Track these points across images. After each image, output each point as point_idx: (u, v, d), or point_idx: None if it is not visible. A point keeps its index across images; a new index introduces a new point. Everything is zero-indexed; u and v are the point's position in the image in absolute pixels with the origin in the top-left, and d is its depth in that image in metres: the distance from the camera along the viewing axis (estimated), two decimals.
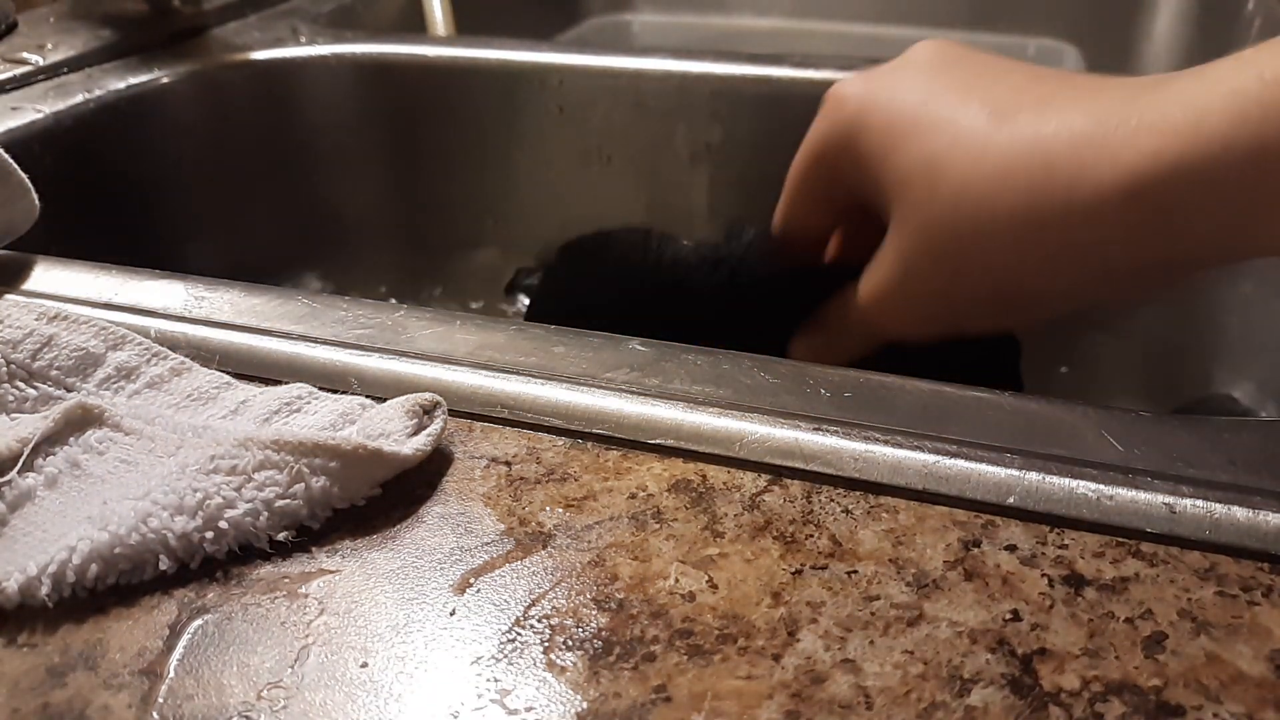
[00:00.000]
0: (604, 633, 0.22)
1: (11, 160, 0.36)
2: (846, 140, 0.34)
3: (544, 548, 0.24)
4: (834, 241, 0.40)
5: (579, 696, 0.21)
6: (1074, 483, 0.25)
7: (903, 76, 0.34)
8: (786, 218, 0.39)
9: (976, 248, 0.31)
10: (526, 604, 0.23)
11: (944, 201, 0.31)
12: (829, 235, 0.39)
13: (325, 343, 0.31)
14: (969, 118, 0.31)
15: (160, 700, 0.21)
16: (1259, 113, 0.26)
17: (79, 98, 0.51)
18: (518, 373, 0.29)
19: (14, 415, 0.28)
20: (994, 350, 0.38)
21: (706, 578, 0.23)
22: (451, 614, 0.23)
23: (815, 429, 0.27)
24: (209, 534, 0.24)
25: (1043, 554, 0.24)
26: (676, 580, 0.23)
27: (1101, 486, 0.25)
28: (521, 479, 0.26)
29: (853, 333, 0.36)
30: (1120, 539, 0.24)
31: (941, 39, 0.35)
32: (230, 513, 0.24)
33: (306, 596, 0.23)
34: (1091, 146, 0.29)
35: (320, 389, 0.29)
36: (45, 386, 0.29)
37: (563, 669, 0.21)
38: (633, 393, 0.28)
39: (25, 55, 0.54)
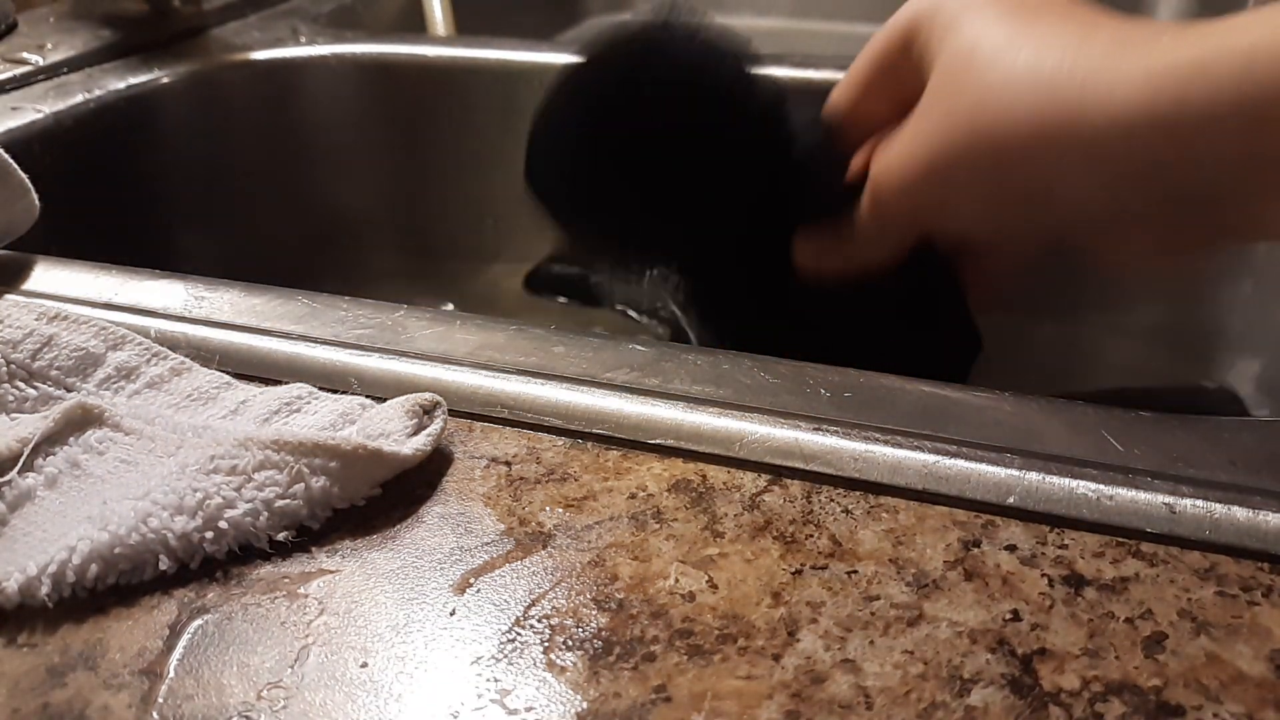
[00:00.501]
0: (604, 633, 0.22)
1: (11, 160, 0.36)
2: (916, 24, 0.35)
3: (544, 548, 0.24)
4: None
5: (579, 696, 0.21)
6: (1074, 483, 0.25)
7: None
8: (845, 99, 0.38)
9: (996, 151, 0.31)
10: (526, 604, 0.23)
11: (969, 99, 0.31)
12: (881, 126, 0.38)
13: (325, 343, 0.31)
14: (1024, 56, 0.31)
15: (160, 700, 0.21)
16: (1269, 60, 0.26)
17: (79, 98, 0.51)
18: (518, 373, 0.29)
19: (14, 415, 0.28)
20: (952, 344, 0.38)
21: (706, 578, 0.23)
22: (451, 614, 0.23)
23: (815, 429, 0.27)
24: (209, 534, 0.24)
25: (1043, 554, 0.24)
26: (676, 580, 0.23)
27: (1101, 486, 0.25)
28: (521, 479, 0.26)
29: (862, 229, 0.36)
30: (1120, 539, 0.24)
31: None
32: (230, 513, 0.24)
33: (306, 596, 0.23)
34: (1108, 66, 0.29)
35: (320, 389, 0.29)
36: (45, 386, 0.29)
37: (563, 669, 0.21)
38: (633, 393, 0.28)
39: (25, 55, 0.54)
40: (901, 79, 0.36)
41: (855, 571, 0.23)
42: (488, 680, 0.21)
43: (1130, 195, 0.30)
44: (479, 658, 0.22)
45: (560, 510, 0.25)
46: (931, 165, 0.33)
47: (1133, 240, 0.33)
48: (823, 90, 0.36)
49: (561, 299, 0.55)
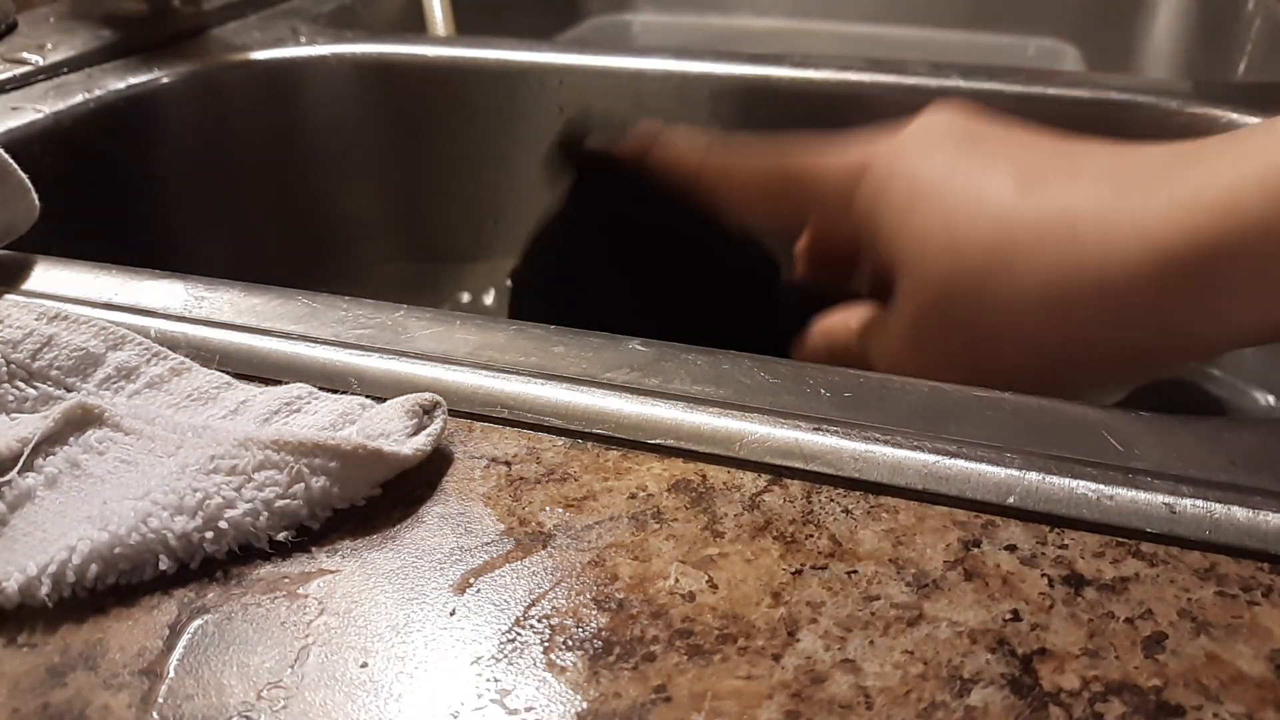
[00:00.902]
0: (604, 633, 0.22)
1: (11, 160, 0.36)
2: (865, 211, 0.33)
3: (544, 548, 0.24)
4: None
5: (579, 696, 0.21)
6: (1074, 483, 0.25)
7: (925, 144, 0.33)
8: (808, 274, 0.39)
9: (1000, 315, 0.30)
10: (526, 604, 0.23)
11: (969, 267, 0.30)
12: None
13: (325, 343, 0.31)
14: (995, 184, 0.30)
15: (160, 700, 0.21)
16: None
17: (79, 98, 0.51)
18: (518, 373, 0.29)
19: (14, 415, 0.28)
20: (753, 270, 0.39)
21: (706, 578, 0.23)
22: (451, 614, 0.23)
23: (815, 429, 0.27)
24: (209, 534, 0.24)
25: (1043, 554, 0.24)
26: (676, 580, 0.23)
27: (1101, 486, 0.25)
28: (521, 479, 0.26)
29: (855, 360, 0.36)
30: (1120, 539, 0.24)
31: (958, 105, 0.34)
32: (230, 513, 0.24)
33: (306, 596, 0.23)
34: (1122, 222, 0.28)
35: (320, 389, 0.29)
36: (45, 386, 0.29)
37: (563, 669, 0.21)
38: (633, 393, 0.28)
39: (25, 55, 0.54)
40: (846, 251, 0.37)
41: (855, 571, 0.23)
42: (488, 680, 0.21)
43: (1150, 337, 0.29)
44: (479, 658, 0.22)
45: (560, 510, 0.25)
46: (927, 340, 0.32)
47: (1151, 370, 0.32)
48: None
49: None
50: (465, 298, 0.62)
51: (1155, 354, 0.30)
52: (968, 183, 0.31)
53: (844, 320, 0.36)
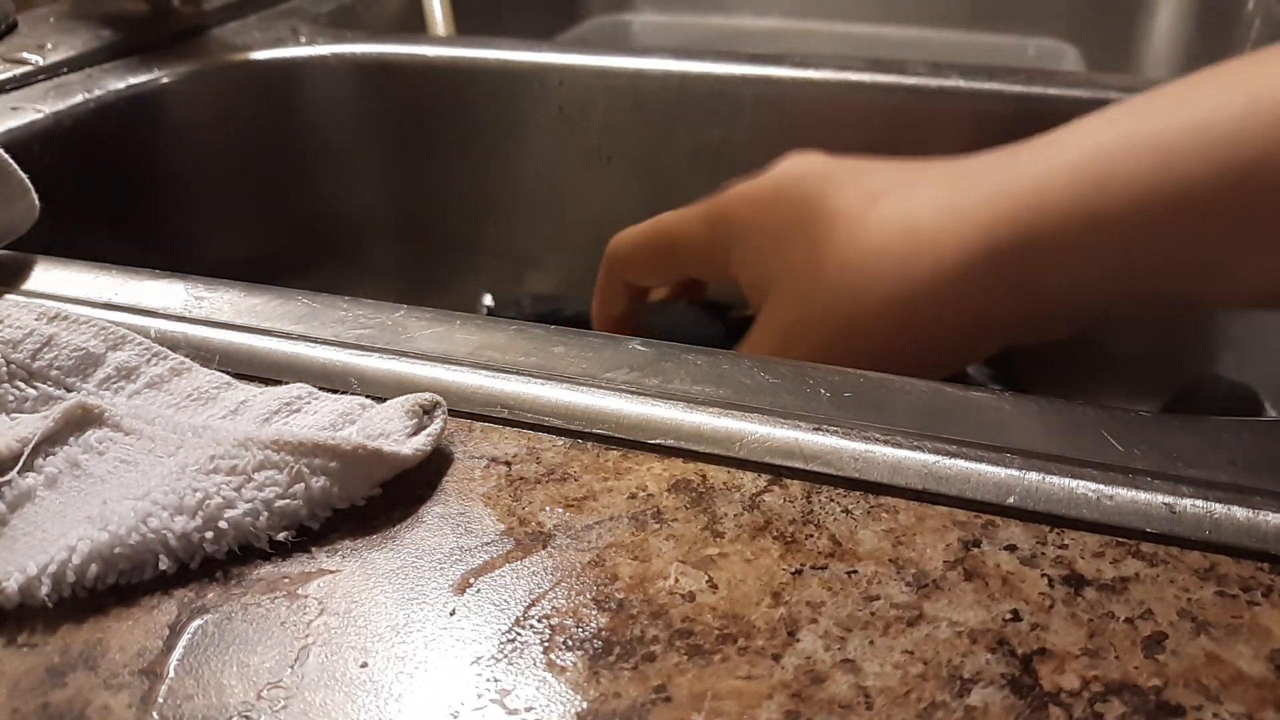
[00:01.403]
0: (604, 633, 0.22)
1: (11, 160, 0.36)
2: (726, 241, 0.37)
3: (544, 548, 0.24)
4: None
5: (579, 696, 0.21)
6: (1074, 483, 0.25)
7: (780, 184, 0.36)
8: (605, 305, 0.43)
9: (861, 319, 0.33)
10: (526, 604, 0.23)
11: (828, 281, 0.33)
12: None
13: (325, 343, 0.31)
14: (845, 204, 0.33)
15: (160, 700, 0.21)
16: (1094, 184, 0.29)
17: (79, 98, 0.51)
18: (518, 373, 0.29)
19: (14, 415, 0.28)
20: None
21: (706, 578, 0.23)
22: (451, 614, 0.23)
23: (815, 429, 0.27)
24: (209, 534, 0.24)
25: (1043, 554, 0.24)
26: (676, 580, 0.23)
27: (1101, 486, 0.25)
28: (521, 479, 0.26)
29: None
30: (1120, 539, 0.24)
31: (806, 155, 0.37)
32: (230, 513, 0.24)
33: (306, 596, 0.23)
34: (953, 212, 0.31)
35: (320, 389, 0.29)
36: (45, 386, 0.29)
37: (563, 669, 0.21)
38: (633, 393, 0.28)
39: (25, 55, 0.54)
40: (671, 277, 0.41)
41: (855, 571, 0.23)
42: (488, 680, 0.21)
43: (992, 317, 0.32)
44: (479, 658, 0.22)
45: (560, 510, 0.25)
46: (796, 353, 0.34)
47: (1003, 344, 0.34)
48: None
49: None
50: (465, 297, 0.62)
51: (994, 332, 0.33)
52: (821, 207, 0.34)
53: None
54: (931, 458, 0.26)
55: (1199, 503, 0.24)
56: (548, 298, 0.53)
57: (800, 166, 0.36)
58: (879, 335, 0.33)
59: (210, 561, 0.24)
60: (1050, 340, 0.33)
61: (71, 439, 0.26)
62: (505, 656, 0.22)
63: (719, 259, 0.37)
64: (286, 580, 0.24)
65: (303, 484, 0.25)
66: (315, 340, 0.31)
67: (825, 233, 0.33)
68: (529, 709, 0.20)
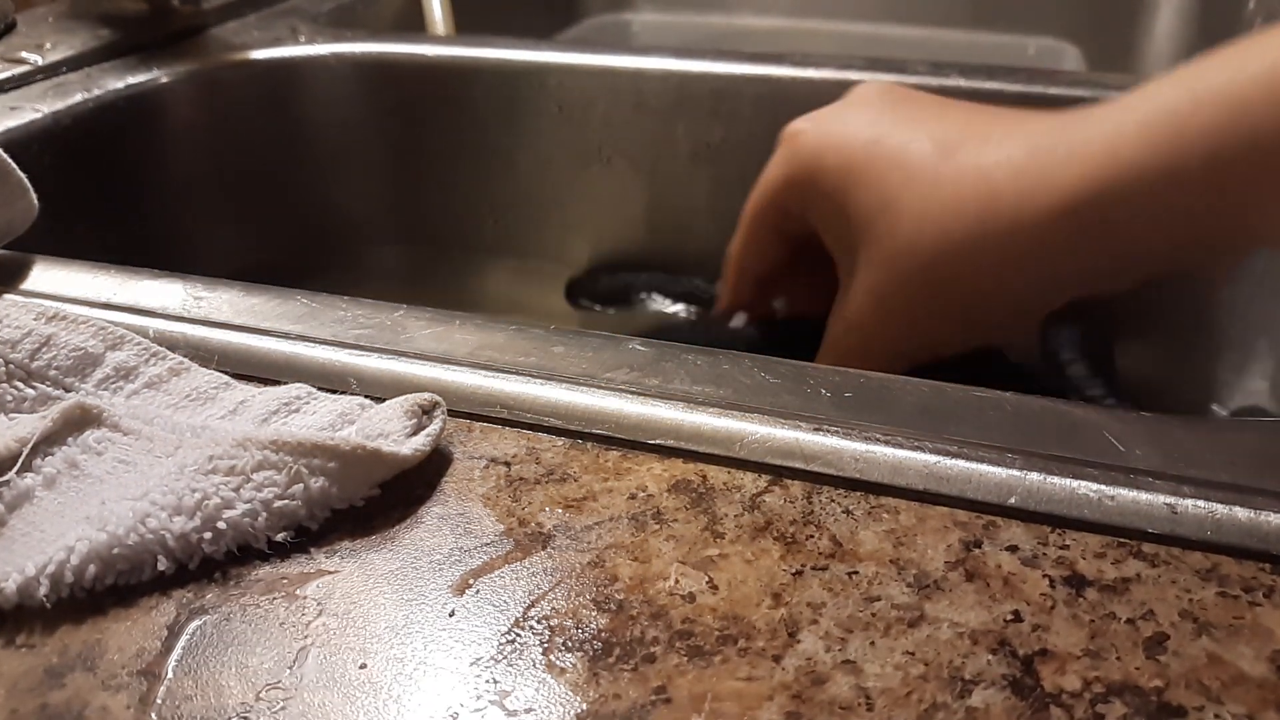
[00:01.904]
0: (604, 634, 0.22)
1: (11, 160, 0.36)
2: (805, 181, 0.37)
3: (543, 548, 0.24)
4: (784, 294, 0.44)
5: (578, 698, 0.21)
6: (1075, 483, 0.25)
7: (851, 116, 0.37)
8: (743, 256, 0.42)
9: (940, 273, 0.34)
10: (526, 605, 0.23)
11: (905, 236, 0.34)
12: (780, 273, 0.43)
13: (324, 343, 0.31)
14: (918, 155, 0.34)
15: (159, 701, 0.21)
16: (1166, 141, 0.30)
17: (78, 97, 0.51)
18: (517, 373, 0.29)
19: (12, 415, 0.28)
20: None
21: (706, 578, 0.23)
22: (451, 615, 0.23)
23: (816, 429, 0.27)
24: (207, 534, 0.24)
25: (1044, 554, 0.24)
26: (676, 581, 0.23)
27: (1103, 487, 0.25)
28: (521, 479, 0.26)
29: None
30: (1121, 539, 0.24)
31: (883, 82, 0.39)
32: (228, 513, 0.24)
33: (305, 597, 0.23)
34: (1029, 174, 0.32)
35: (319, 389, 0.29)
36: (44, 386, 0.29)
37: (562, 670, 0.21)
38: (633, 393, 0.28)
39: (24, 55, 0.54)
40: (788, 226, 0.39)
41: (856, 572, 0.23)
42: (487, 681, 0.21)
43: (1065, 271, 0.33)
44: (478, 659, 0.22)
45: (560, 511, 0.25)
46: (887, 309, 0.35)
47: (1070, 295, 0.35)
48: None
49: (603, 308, 0.57)
50: (464, 297, 0.62)
51: (1068, 287, 0.34)
52: (892, 152, 0.35)
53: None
54: (932, 458, 0.26)
55: (1200, 503, 0.24)
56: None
57: (871, 93, 0.37)
58: (958, 279, 0.34)
59: (209, 562, 0.24)
60: (1117, 291, 0.34)
61: (70, 439, 0.26)
62: (505, 657, 0.22)
63: (797, 204, 0.38)
64: (285, 581, 0.24)
65: (301, 484, 0.25)
66: (314, 340, 0.31)
67: (899, 183, 0.34)
68: (528, 710, 0.20)
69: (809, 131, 0.37)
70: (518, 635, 0.22)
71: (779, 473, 0.26)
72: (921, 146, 0.34)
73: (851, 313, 0.36)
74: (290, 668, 0.21)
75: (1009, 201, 0.32)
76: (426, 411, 0.27)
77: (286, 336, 0.31)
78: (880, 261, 0.35)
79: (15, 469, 0.25)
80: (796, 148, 0.37)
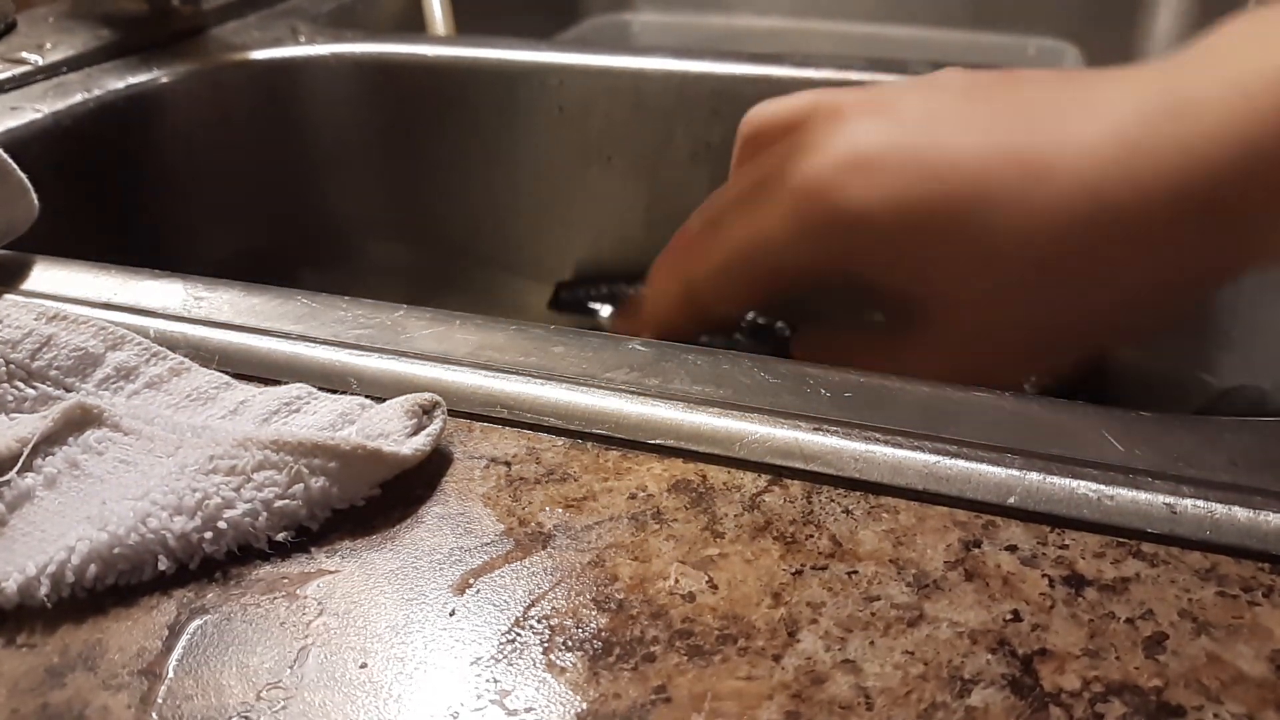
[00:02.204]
0: (604, 633, 0.22)
1: (11, 160, 0.36)
2: (843, 237, 0.31)
3: (544, 548, 0.24)
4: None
5: (579, 697, 0.21)
6: (1074, 483, 0.25)
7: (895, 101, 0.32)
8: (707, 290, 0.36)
9: (1051, 272, 0.29)
10: (526, 604, 0.23)
11: (1005, 240, 0.29)
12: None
13: (325, 343, 0.31)
14: (977, 129, 0.30)
15: (159, 701, 0.21)
16: None
17: (78, 97, 0.51)
18: (517, 373, 0.29)
19: (13, 415, 0.28)
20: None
21: (706, 578, 0.23)
22: (451, 614, 0.23)
23: (815, 429, 0.27)
24: (208, 534, 0.24)
25: (1043, 554, 0.24)
26: (676, 580, 0.23)
27: (1102, 487, 0.25)
28: (521, 479, 0.26)
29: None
30: (1121, 539, 0.24)
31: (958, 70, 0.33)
32: (229, 513, 0.24)
33: (306, 597, 0.23)
34: (1145, 145, 0.27)
35: (320, 389, 0.29)
36: (44, 386, 0.29)
37: (562, 669, 0.21)
38: (633, 393, 0.28)
39: (24, 55, 0.54)
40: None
41: (855, 572, 0.23)
42: (487, 681, 0.21)
43: (1191, 259, 0.28)
44: (478, 658, 0.22)
45: (560, 510, 0.25)
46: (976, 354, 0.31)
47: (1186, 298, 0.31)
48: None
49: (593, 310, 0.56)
50: (464, 297, 0.62)
51: (1192, 276, 0.29)
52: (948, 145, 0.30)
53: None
54: (932, 458, 0.26)
55: (1200, 503, 0.24)
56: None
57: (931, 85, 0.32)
58: (1068, 295, 0.29)
59: (209, 562, 0.24)
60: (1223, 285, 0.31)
61: (70, 439, 0.26)
62: (505, 657, 0.22)
63: (837, 258, 0.32)
64: (286, 581, 0.24)
65: (302, 484, 0.25)
66: (315, 340, 0.31)
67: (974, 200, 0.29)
68: (529, 709, 0.20)
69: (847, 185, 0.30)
70: (518, 635, 0.22)
71: (779, 472, 0.26)
72: (981, 125, 0.29)
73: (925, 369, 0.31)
74: (291, 667, 0.22)
75: (1123, 177, 0.27)
76: (427, 411, 0.27)
77: (287, 336, 0.31)
78: (975, 316, 0.30)
79: (16, 469, 0.25)
80: (832, 203, 0.31)
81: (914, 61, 0.52)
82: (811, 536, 0.24)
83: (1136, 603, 0.22)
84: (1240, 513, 0.24)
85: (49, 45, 0.55)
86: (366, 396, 0.28)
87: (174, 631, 0.23)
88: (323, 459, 0.25)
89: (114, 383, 0.29)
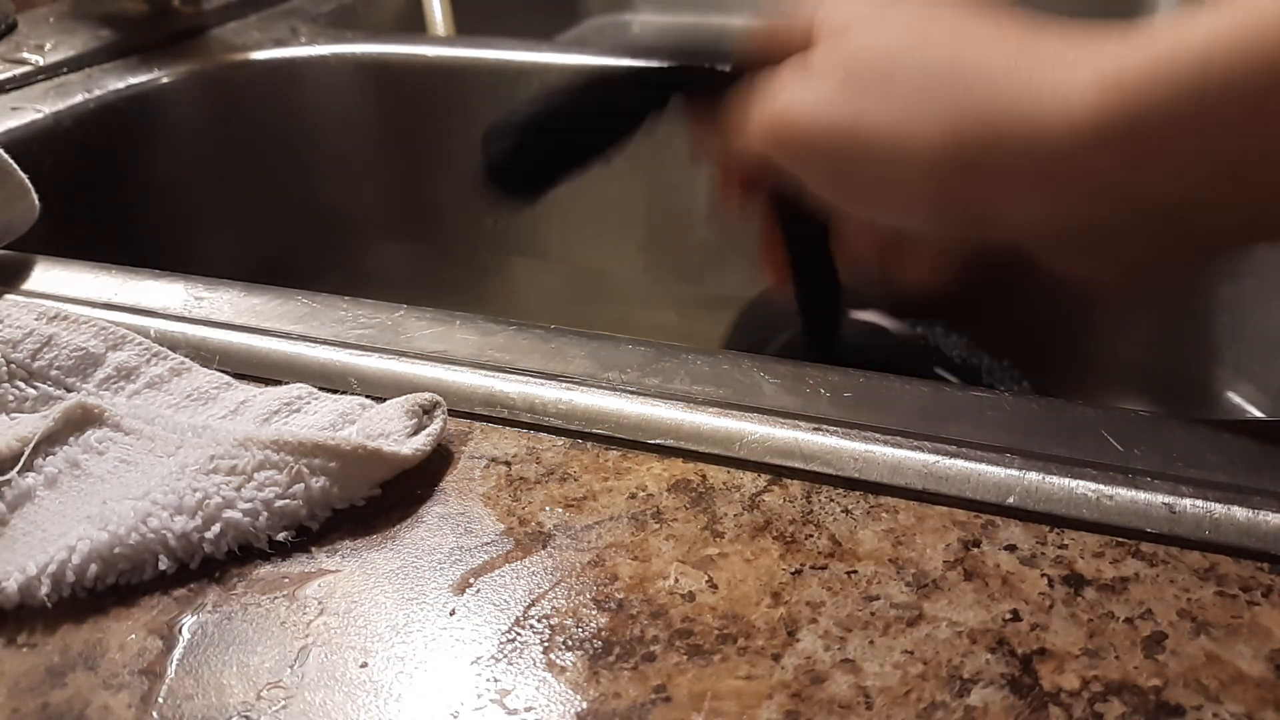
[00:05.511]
0: (604, 633, 0.22)
1: (11, 160, 0.36)
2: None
3: (544, 548, 0.24)
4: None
5: (579, 696, 0.21)
6: (1074, 483, 0.25)
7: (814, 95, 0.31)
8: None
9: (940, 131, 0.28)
10: (526, 604, 0.23)
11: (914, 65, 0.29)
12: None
13: (325, 343, 0.31)
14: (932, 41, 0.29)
15: (160, 700, 0.21)
16: (1259, 49, 0.24)
17: (79, 98, 0.51)
18: (517, 373, 0.29)
19: (14, 415, 0.28)
20: None
21: (706, 578, 0.23)
22: (451, 614, 0.23)
23: (815, 429, 0.27)
24: (208, 534, 0.24)
25: (1042, 554, 0.24)
26: (676, 580, 0.23)
27: (1101, 486, 0.25)
28: (521, 479, 0.26)
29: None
30: (1120, 539, 0.24)
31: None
32: (229, 513, 0.24)
33: (306, 597, 0.23)
34: (1073, 64, 0.27)
35: (320, 389, 0.29)
36: (45, 386, 0.29)
37: (562, 669, 0.21)
38: (633, 393, 0.28)
39: (25, 55, 0.54)
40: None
41: (855, 571, 0.23)
42: (487, 680, 0.21)
43: (1084, 210, 0.28)
44: (479, 658, 0.22)
45: (560, 510, 0.25)
46: (847, 129, 0.29)
47: (1093, 259, 0.30)
48: None
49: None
50: (464, 297, 0.62)
51: (1081, 206, 0.28)
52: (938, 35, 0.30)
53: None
54: (931, 458, 0.26)
55: (1199, 503, 0.24)
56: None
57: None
58: (960, 166, 0.28)
59: (210, 561, 0.24)
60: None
61: (71, 439, 0.26)
62: (505, 656, 0.22)
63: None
64: (286, 580, 0.24)
65: (302, 484, 0.25)
66: (315, 340, 0.31)
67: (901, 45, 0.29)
68: (529, 709, 0.20)
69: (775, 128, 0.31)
70: (518, 634, 0.22)
71: (778, 472, 0.26)
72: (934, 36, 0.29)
73: (805, 104, 0.30)
74: (291, 666, 0.22)
75: (1028, 95, 0.27)
76: (427, 411, 0.27)
77: (287, 337, 0.31)
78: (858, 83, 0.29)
79: (17, 468, 0.25)
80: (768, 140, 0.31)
81: None
82: (811, 536, 0.24)
83: (1136, 602, 0.22)
84: (1239, 512, 0.24)
85: (49, 45, 0.55)
86: (367, 396, 0.28)
87: (174, 631, 0.23)
88: (323, 459, 0.25)
89: (115, 383, 0.29)
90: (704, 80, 0.36)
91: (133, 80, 0.54)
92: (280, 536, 0.24)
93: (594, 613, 0.22)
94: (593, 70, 0.37)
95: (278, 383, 0.29)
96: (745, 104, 0.33)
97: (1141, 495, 0.24)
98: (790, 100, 0.31)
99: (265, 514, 0.24)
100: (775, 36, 0.35)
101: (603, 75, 0.38)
